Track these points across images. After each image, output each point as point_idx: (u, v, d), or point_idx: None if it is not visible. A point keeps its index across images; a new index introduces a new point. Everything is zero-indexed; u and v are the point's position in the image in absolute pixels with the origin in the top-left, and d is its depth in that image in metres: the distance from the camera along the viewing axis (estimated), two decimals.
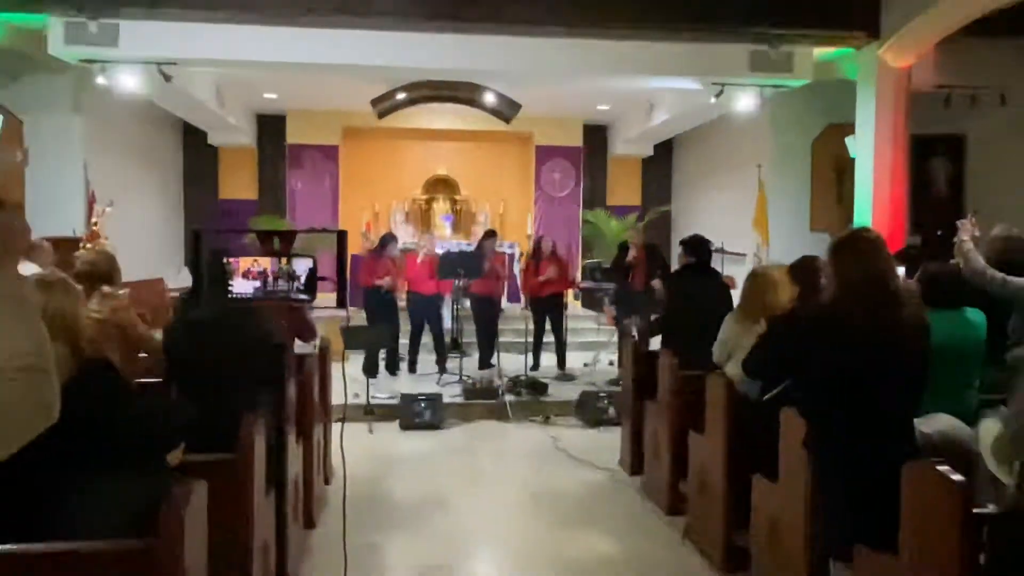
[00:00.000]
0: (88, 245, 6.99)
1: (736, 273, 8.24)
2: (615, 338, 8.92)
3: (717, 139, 11.90)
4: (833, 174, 9.82)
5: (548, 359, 9.09)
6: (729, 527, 4.04)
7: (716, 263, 6.77)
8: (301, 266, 2.44)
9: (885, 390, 2.66)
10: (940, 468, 2.37)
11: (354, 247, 10.65)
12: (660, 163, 14.16)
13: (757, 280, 4.40)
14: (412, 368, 9.07)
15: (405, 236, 11.78)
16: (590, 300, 11.11)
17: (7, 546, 2.02)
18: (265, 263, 2.44)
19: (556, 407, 7.59)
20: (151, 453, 2.42)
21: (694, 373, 4.68)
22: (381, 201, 13.16)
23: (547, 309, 8.94)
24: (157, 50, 7.21)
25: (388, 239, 8.98)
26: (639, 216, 13.00)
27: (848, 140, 8.15)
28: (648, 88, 10.54)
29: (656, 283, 7.52)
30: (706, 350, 4.58)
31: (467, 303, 8.96)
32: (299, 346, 4.98)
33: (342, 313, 4.82)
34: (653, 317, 6.89)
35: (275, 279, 2.49)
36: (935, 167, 9.98)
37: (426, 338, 9.05)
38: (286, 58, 7.53)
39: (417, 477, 5.79)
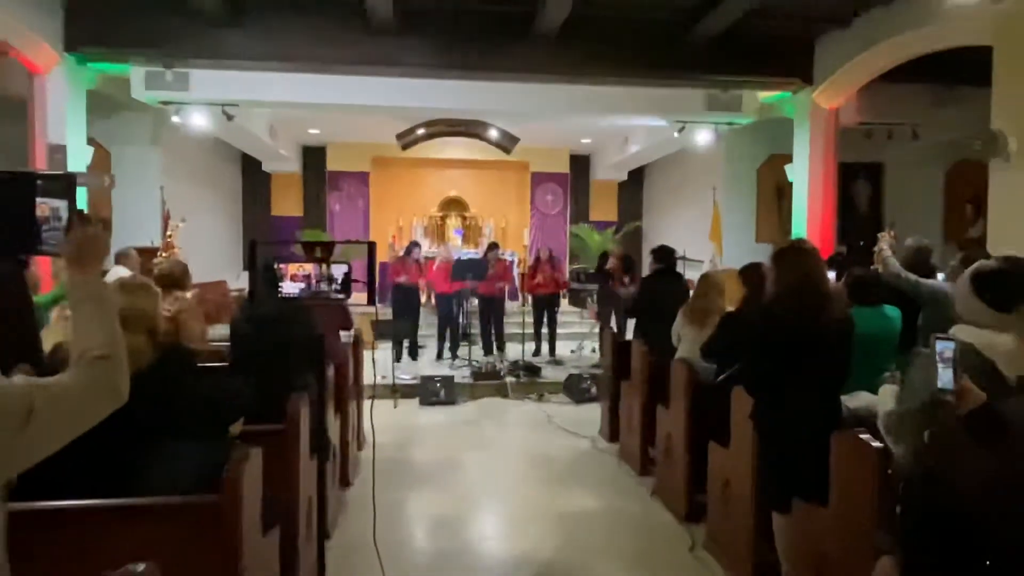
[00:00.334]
0: (164, 254, 6.98)
1: (696, 277, 8.22)
2: (596, 330, 8.91)
3: (680, 166, 11.90)
4: (775, 195, 9.83)
5: (543, 347, 9.07)
6: (690, 485, 4.04)
7: (680, 268, 6.76)
8: (338, 271, 2.43)
9: (816, 372, 2.65)
10: (862, 436, 2.38)
11: (382, 256, 10.70)
12: (633, 186, 14.17)
13: (704, 282, 4.60)
14: (439, 355, 8.90)
15: (424, 246, 11.76)
16: (576, 299, 11.07)
17: (96, 500, 2.03)
18: (309, 268, 2.44)
19: (548, 387, 7.56)
20: (216, 425, 2.42)
21: (661, 359, 4.67)
22: (404, 217, 13.12)
23: (545, 306, 8.92)
24: (221, 94, 7.26)
25: (413, 246, 9.12)
26: (616, 230, 13.05)
27: (787, 167, 8.15)
28: (623, 125, 10.59)
29: (626, 283, 7.64)
30: (671, 339, 4.62)
31: (475, 301, 8.95)
32: (344, 335, 4.99)
33: (371, 310, 4.82)
34: (624, 307, 7.03)
35: (317, 282, 2.48)
36: (858, 189, 10.01)
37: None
38: (328, 100, 7.59)
39: (434, 444, 5.78)
